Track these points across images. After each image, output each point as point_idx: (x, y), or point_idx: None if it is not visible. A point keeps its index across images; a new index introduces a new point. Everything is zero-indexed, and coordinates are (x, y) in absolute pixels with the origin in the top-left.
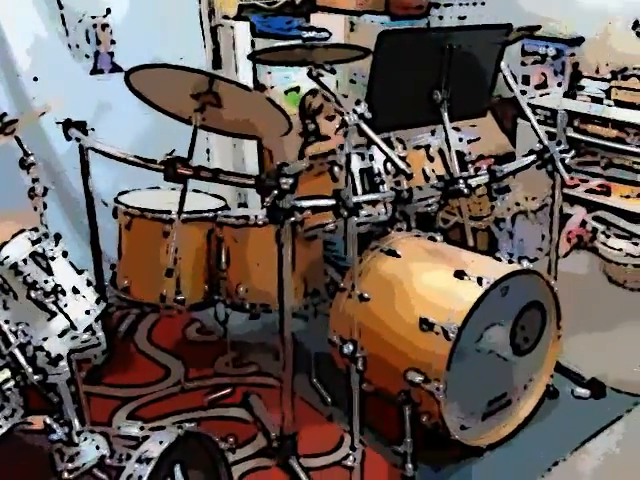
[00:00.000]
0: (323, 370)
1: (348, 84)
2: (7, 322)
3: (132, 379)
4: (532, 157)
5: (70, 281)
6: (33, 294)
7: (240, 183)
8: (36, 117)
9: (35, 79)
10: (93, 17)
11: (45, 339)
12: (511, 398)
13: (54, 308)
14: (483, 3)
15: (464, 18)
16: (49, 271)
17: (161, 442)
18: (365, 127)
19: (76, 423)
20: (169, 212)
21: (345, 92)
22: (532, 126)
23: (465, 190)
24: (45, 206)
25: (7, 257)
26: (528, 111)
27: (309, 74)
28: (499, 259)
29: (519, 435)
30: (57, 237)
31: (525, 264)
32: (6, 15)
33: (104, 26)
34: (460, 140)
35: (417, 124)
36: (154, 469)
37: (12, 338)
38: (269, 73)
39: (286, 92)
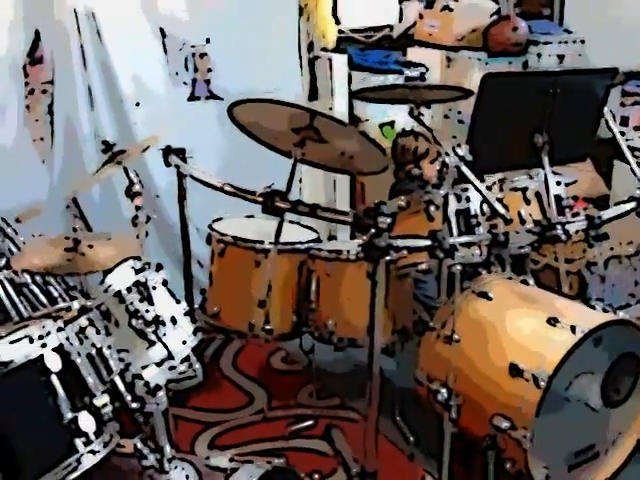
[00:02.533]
0: (407, 406)
1: (442, 119)
2: (109, 348)
3: (216, 404)
4: (632, 204)
5: (169, 311)
6: (134, 323)
7: (337, 219)
8: (143, 149)
9: (137, 104)
10: (193, 46)
11: (144, 367)
12: (599, 450)
13: (154, 337)
14: (583, 41)
15: (563, 57)
16: (150, 300)
17: (251, 477)
18: (465, 169)
19: (167, 450)
20: (262, 242)
21: (439, 127)
22: (632, 169)
23: (563, 236)
24: (147, 234)
25: (111, 285)
26: (628, 153)
27: (410, 113)
28: (593, 307)
29: None
30: (159, 267)
31: (621, 314)
32: (113, 43)
33: (202, 55)
34: (558, 184)
35: (517, 167)
36: None
37: (114, 365)
38: (365, 106)
39: (381, 126)
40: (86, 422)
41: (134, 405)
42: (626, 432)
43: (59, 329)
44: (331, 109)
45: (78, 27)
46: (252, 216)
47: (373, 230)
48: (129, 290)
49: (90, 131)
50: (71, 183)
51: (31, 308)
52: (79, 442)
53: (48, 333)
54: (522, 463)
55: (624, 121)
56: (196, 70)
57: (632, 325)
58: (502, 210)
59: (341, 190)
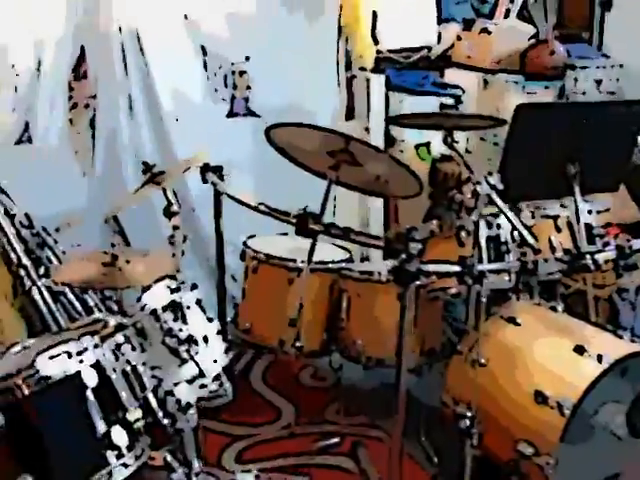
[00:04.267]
0: (432, 427)
1: (478, 141)
2: (144, 364)
3: (244, 418)
4: None
5: (202, 330)
6: (168, 341)
7: (369, 244)
8: (183, 170)
9: (177, 120)
10: (232, 64)
11: (176, 384)
12: None
13: (186, 355)
14: (621, 65)
15: (600, 82)
16: (184, 319)
17: None
18: (496, 198)
19: (196, 465)
20: (294, 261)
21: (474, 150)
22: None
23: (591, 266)
24: (183, 253)
25: (147, 304)
26: None
27: (444, 141)
28: (621, 337)
29: None
30: (193, 286)
31: None
32: (155, 60)
33: (242, 72)
34: (589, 212)
35: (548, 196)
36: None
37: (147, 382)
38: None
39: (417, 147)
40: (119, 436)
41: (165, 421)
42: None
43: (96, 345)
44: (367, 129)
45: (122, 44)
46: (286, 234)
47: (404, 255)
48: (164, 309)
49: (130, 145)
50: (110, 196)
51: (67, 316)
52: (111, 455)
53: (85, 349)
54: None
55: None
56: (235, 87)
57: None
58: (531, 240)
59: (375, 211)
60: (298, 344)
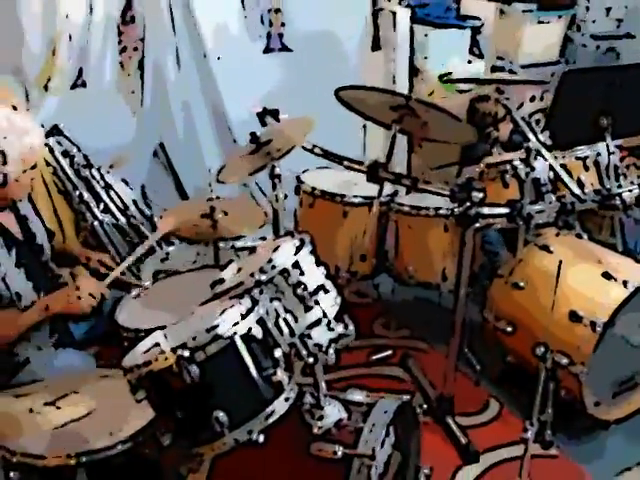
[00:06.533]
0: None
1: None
2: (287, 312)
3: None
4: None
5: (320, 278)
6: (300, 292)
7: (438, 193)
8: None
9: (218, 58)
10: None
11: (310, 327)
12: (638, 381)
13: (312, 303)
14: None
15: (609, 9)
16: (302, 272)
17: (385, 411)
18: (546, 153)
19: (324, 387)
20: (348, 196)
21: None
22: None
23: (620, 206)
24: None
25: (277, 263)
26: None
27: (497, 100)
28: None
29: None
30: (302, 242)
31: None
32: (198, 1)
33: (277, 10)
34: (612, 153)
35: (584, 143)
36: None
37: (296, 328)
38: (425, 58)
39: (440, 77)
40: (281, 375)
41: (310, 360)
42: None
43: (256, 302)
44: (393, 60)
45: None
46: (327, 167)
47: (468, 203)
48: (293, 266)
49: (176, 84)
50: (158, 131)
51: (130, 249)
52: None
53: (251, 308)
54: (577, 392)
55: None
56: (270, 25)
57: None
58: (577, 190)
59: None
60: (353, 269)
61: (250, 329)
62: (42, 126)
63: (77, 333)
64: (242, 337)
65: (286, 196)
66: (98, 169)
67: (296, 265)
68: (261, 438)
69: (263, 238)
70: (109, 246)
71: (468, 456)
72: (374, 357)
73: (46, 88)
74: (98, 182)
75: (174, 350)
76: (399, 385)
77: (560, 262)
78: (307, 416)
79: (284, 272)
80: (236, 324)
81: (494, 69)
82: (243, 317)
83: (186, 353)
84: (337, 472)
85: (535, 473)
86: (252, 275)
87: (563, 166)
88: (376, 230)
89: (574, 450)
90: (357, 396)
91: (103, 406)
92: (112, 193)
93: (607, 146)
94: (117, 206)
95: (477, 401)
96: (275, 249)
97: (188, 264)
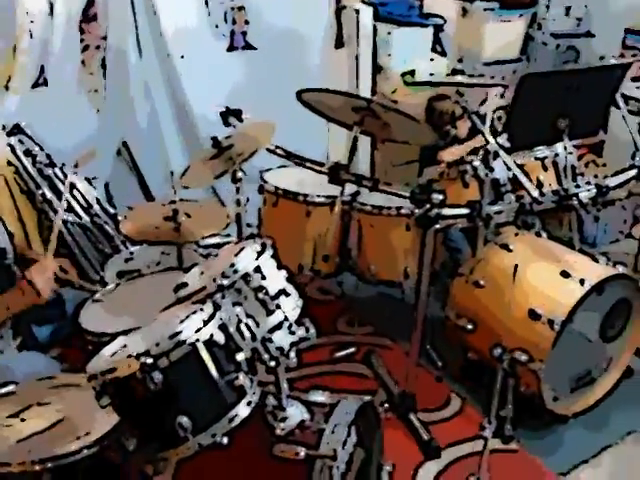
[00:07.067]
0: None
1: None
2: (248, 317)
3: None
4: (634, 172)
5: (281, 282)
6: (260, 296)
7: (396, 194)
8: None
9: (182, 57)
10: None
11: (271, 331)
12: (595, 376)
13: (273, 307)
14: None
15: (569, 8)
16: (263, 277)
17: (347, 412)
18: (503, 155)
19: (286, 389)
20: (312, 195)
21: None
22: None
23: (577, 205)
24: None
25: (239, 269)
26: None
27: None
28: (597, 261)
29: (600, 406)
30: (263, 246)
31: (621, 269)
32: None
33: (240, 8)
34: (570, 153)
35: (542, 145)
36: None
37: (257, 333)
38: (389, 56)
39: (402, 74)
40: (243, 380)
41: (272, 363)
42: (616, 361)
43: (218, 307)
44: (357, 58)
45: None
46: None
47: (428, 205)
48: (255, 270)
49: (139, 82)
50: (121, 130)
51: (95, 249)
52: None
53: (213, 314)
54: (536, 388)
55: None
56: (234, 23)
57: (627, 278)
58: (535, 193)
59: (362, 152)
60: (316, 268)
61: (212, 335)
62: (3, 127)
63: (41, 335)
64: (204, 343)
65: (248, 199)
66: (61, 168)
67: (257, 269)
68: (225, 440)
69: (228, 235)
70: (72, 245)
71: (430, 452)
72: (337, 354)
73: (7, 88)
74: (61, 181)
75: (137, 357)
76: (362, 382)
77: (516, 266)
78: (270, 418)
79: (246, 276)
80: (198, 330)
81: (454, 72)
82: (205, 323)
83: (149, 360)
84: (300, 473)
85: (495, 467)
86: (214, 280)
87: (522, 166)
88: (339, 229)
89: (534, 444)
90: (319, 397)
91: (68, 414)
92: (75, 192)
93: (565, 147)
94: (80, 205)
95: (439, 397)
96: (237, 253)
97: (152, 264)
